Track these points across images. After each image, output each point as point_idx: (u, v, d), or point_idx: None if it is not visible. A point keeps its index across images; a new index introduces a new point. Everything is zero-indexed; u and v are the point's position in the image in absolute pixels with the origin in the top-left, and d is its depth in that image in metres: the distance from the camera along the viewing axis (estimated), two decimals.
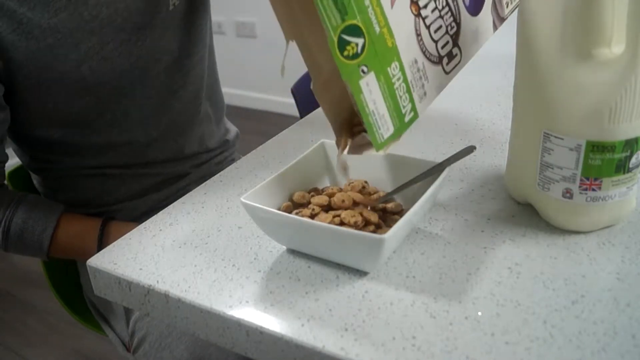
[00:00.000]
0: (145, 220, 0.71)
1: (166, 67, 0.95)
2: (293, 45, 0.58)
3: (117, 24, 0.87)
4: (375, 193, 0.65)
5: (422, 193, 0.58)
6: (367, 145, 0.61)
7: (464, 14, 0.65)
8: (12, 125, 0.88)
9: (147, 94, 0.93)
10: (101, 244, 0.88)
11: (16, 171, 1.04)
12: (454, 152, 0.63)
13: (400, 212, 0.63)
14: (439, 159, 0.65)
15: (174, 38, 0.95)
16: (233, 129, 1.17)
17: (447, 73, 0.64)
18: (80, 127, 0.89)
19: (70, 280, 1.08)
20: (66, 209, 0.90)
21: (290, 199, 0.65)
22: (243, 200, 0.58)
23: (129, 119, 0.92)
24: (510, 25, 0.67)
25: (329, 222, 0.59)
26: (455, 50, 0.65)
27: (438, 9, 0.62)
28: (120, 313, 0.95)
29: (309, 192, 0.66)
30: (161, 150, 0.98)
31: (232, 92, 3.39)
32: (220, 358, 0.81)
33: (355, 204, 0.62)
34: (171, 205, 0.73)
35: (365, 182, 0.66)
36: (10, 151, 0.97)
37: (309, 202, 0.64)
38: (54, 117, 0.87)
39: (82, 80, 0.85)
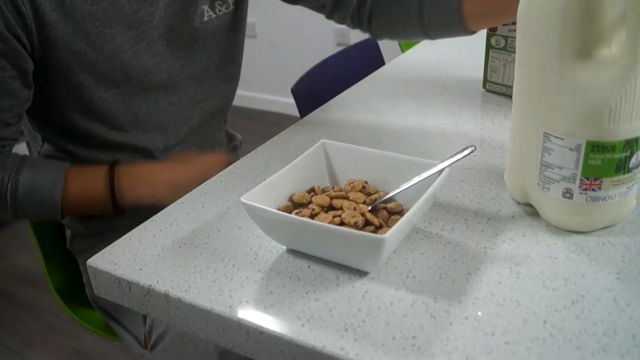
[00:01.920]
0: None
1: (191, 77, 0.95)
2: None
3: (154, 22, 0.88)
4: (375, 193, 0.65)
5: (422, 193, 0.58)
6: None
7: None
8: (36, 108, 0.87)
9: (170, 100, 0.94)
10: (113, 188, 0.86)
11: None
12: (454, 152, 0.63)
13: (400, 212, 0.63)
14: (439, 159, 0.65)
15: (203, 51, 0.95)
16: (237, 136, 1.18)
17: None
18: (103, 122, 0.89)
19: (71, 283, 1.08)
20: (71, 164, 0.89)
21: (290, 199, 0.65)
22: (243, 200, 0.58)
23: (151, 122, 0.92)
24: None
25: (329, 222, 0.59)
26: None
27: None
28: (135, 311, 0.95)
29: (309, 192, 0.66)
30: (176, 157, 0.98)
31: None
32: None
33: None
34: (171, 205, 0.73)
35: (365, 182, 0.66)
36: (21, 147, 0.96)
37: (309, 202, 0.64)
38: (79, 106, 0.87)
39: (112, 72, 0.86)
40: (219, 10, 0.95)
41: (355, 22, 1.00)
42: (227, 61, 1.01)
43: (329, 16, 1.02)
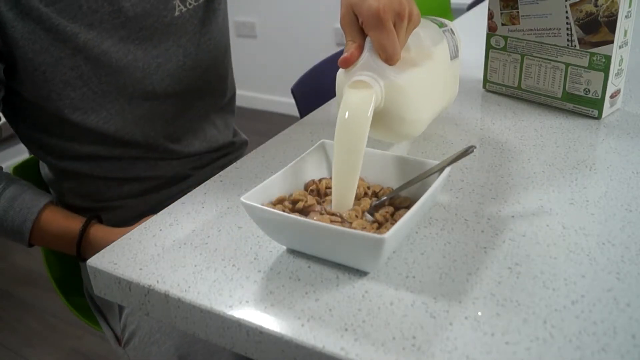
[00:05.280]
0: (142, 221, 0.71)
1: (169, 74, 0.94)
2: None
3: (120, 21, 0.87)
4: (380, 190, 0.65)
5: (422, 193, 0.58)
6: None
7: None
8: (16, 101, 0.88)
9: (145, 96, 0.93)
10: (80, 248, 0.87)
11: (23, 164, 1.04)
12: (454, 152, 0.63)
13: (408, 206, 0.63)
14: (439, 159, 0.65)
15: (178, 48, 0.94)
16: (241, 135, 1.17)
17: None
18: (75, 115, 0.89)
19: (70, 274, 1.08)
20: (53, 201, 0.90)
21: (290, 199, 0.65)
22: (243, 200, 0.58)
23: (126, 118, 0.92)
24: None
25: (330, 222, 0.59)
26: None
27: None
28: (113, 307, 0.96)
29: (309, 186, 0.66)
30: (156, 149, 0.98)
31: None
32: (207, 355, 0.81)
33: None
34: (171, 205, 0.73)
35: (368, 187, 0.66)
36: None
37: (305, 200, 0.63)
38: (49, 105, 0.87)
39: (77, 69, 0.85)
40: (190, 4, 0.94)
41: None
42: (203, 57, 0.99)
43: None
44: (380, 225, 0.60)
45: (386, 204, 0.63)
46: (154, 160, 0.98)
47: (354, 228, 0.58)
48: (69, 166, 0.95)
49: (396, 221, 0.57)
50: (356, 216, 0.61)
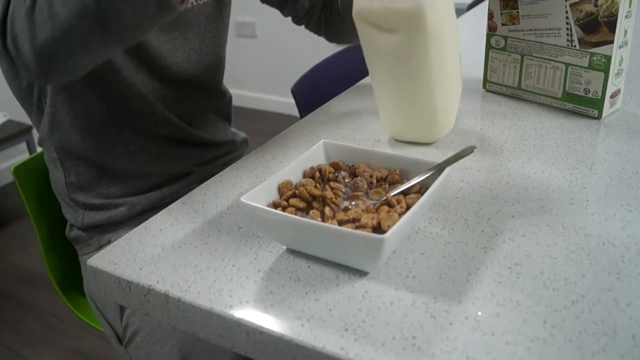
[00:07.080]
0: (145, 218, 0.71)
1: (177, 62, 0.95)
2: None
3: None
4: (387, 175, 0.65)
5: (422, 193, 0.58)
6: None
7: None
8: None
9: (151, 88, 0.94)
10: None
11: (23, 164, 1.04)
12: (454, 152, 0.63)
13: (418, 191, 0.63)
14: (439, 159, 0.65)
15: (184, 41, 0.95)
16: (241, 134, 1.18)
17: None
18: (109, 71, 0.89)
19: (70, 274, 1.08)
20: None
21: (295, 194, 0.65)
22: (243, 200, 0.58)
23: (145, 87, 0.93)
24: None
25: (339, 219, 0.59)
26: None
27: None
28: (115, 307, 0.96)
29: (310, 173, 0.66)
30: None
31: (232, 92, 3.38)
32: (208, 355, 0.81)
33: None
34: (171, 205, 0.73)
35: (371, 175, 0.66)
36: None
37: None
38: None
39: None
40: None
41: (321, 31, 1.11)
42: (206, 52, 1.00)
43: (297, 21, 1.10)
44: (390, 208, 0.60)
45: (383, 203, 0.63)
46: (162, 144, 0.98)
47: (365, 223, 0.57)
48: (74, 158, 0.95)
49: (408, 205, 0.58)
50: (362, 211, 0.61)
